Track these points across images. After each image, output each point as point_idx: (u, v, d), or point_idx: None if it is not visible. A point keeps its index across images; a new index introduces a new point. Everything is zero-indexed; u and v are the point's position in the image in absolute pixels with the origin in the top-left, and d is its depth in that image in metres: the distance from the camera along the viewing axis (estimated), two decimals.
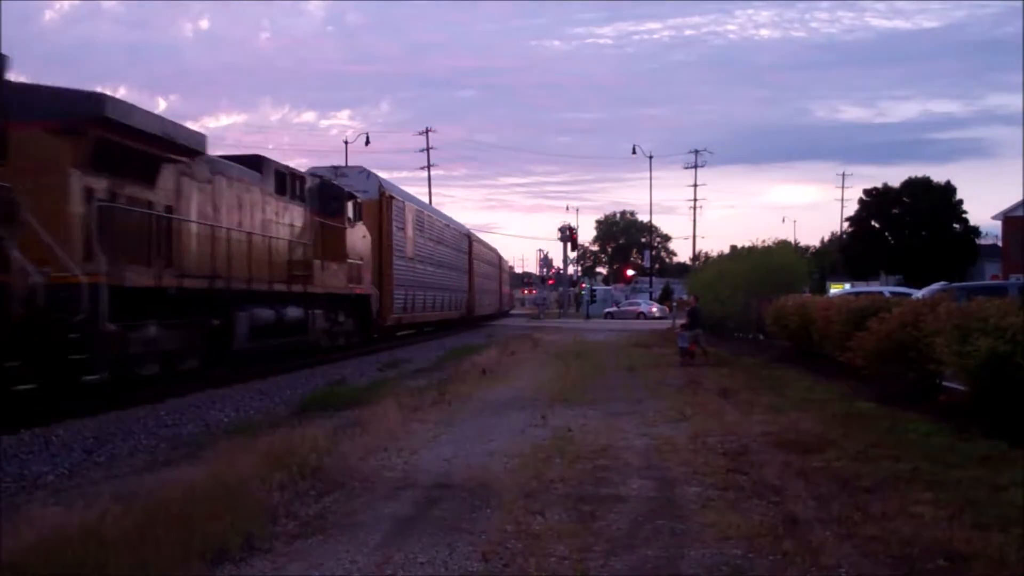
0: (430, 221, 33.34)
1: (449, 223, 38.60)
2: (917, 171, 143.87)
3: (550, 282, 73.20)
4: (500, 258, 58.47)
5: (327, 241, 19.34)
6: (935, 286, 24.46)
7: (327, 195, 19.94)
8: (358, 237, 21.80)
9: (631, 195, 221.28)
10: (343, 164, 28.20)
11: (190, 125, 13.60)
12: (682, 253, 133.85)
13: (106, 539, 4.57)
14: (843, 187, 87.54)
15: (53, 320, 9.48)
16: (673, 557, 4.74)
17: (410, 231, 28.20)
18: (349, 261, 20.61)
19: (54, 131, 10.29)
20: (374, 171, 26.46)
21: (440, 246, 34.29)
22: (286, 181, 17.68)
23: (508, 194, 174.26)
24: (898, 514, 5.44)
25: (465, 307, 40.05)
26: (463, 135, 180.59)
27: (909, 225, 62.83)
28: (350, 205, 20.95)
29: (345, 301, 21.00)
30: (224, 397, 12.44)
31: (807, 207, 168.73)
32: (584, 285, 72.04)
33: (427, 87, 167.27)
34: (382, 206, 25.36)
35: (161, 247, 12.45)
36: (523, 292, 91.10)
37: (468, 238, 42.56)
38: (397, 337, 29.22)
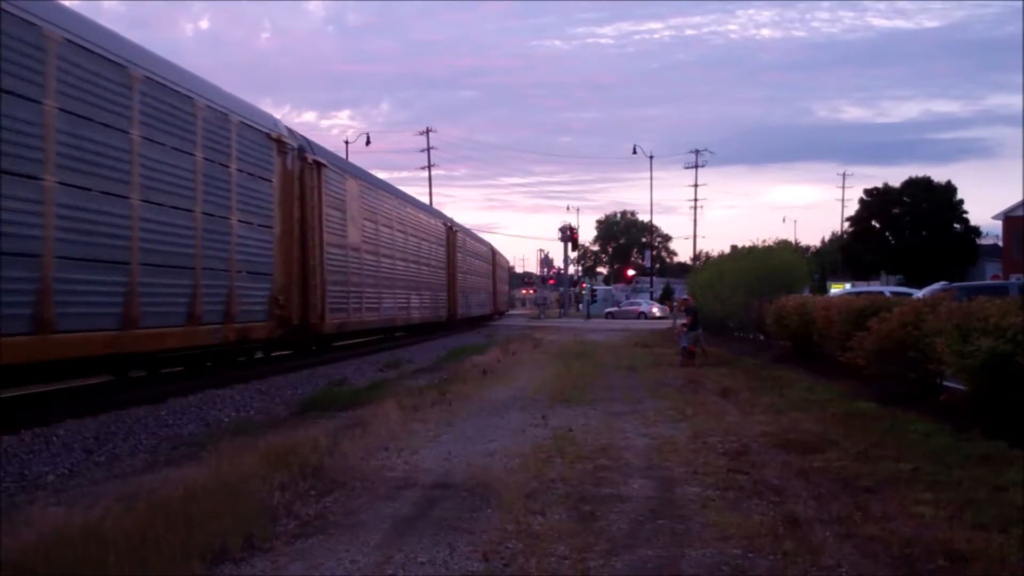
0: None
1: None
2: (918, 171, 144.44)
3: (551, 282, 73.19)
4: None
5: None
6: (936, 286, 24.48)
7: None
8: None
9: (632, 195, 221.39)
10: None
11: None
12: (683, 253, 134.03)
13: (106, 539, 4.57)
14: (844, 187, 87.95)
15: None
16: (673, 557, 4.74)
17: None
18: None
19: None
20: None
21: None
22: None
23: (509, 194, 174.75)
24: (898, 514, 5.44)
25: None
26: (463, 135, 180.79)
27: (910, 225, 62.83)
28: None
29: None
30: (224, 397, 12.43)
31: (807, 207, 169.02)
32: (585, 285, 72.04)
33: (427, 87, 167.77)
34: None
35: None
36: (524, 292, 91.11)
37: None
38: None
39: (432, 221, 31.80)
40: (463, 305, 36.69)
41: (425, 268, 28.94)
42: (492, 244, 52.46)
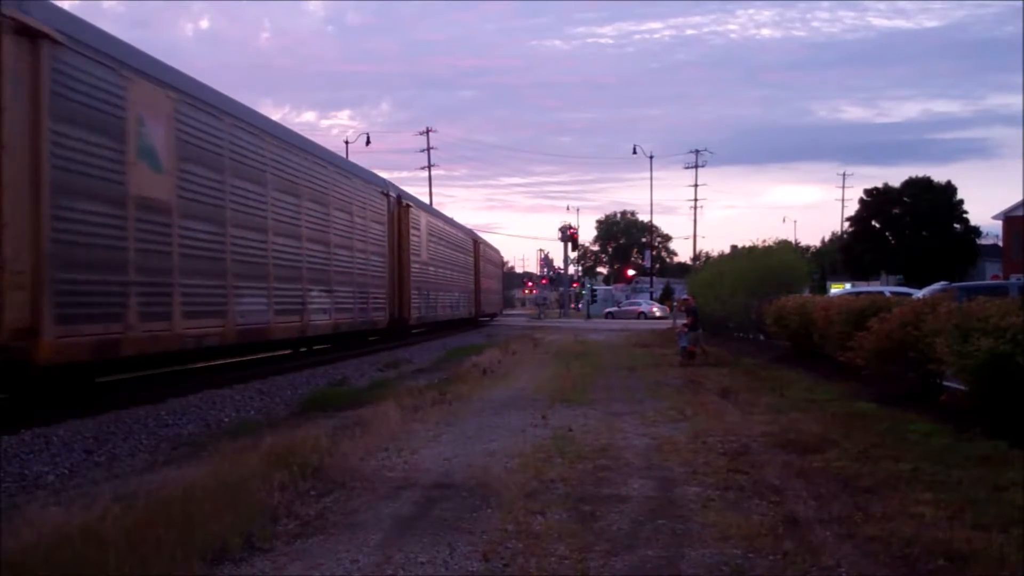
0: None
1: None
2: (918, 171, 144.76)
3: (544, 281, 73.20)
4: None
5: None
6: (936, 286, 24.51)
7: None
8: None
9: (631, 195, 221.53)
10: None
11: None
12: (682, 253, 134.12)
13: (106, 539, 4.57)
14: (844, 187, 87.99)
15: None
16: (674, 557, 4.74)
17: None
18: None
19: None
20: None
21: None
22: None
23: (509, 194, 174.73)
24: (898, 514, 5.43)
25: None
26: (463, 135, 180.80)
27: (910, 225, 62.89)
28: None
29: None
30: (224, 397, 12.43)
31: (807, 207, 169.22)
32: (576, 284, 72.05)
33: (427, 87, 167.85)
34: None
35: None
36: (524, 292, 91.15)
37: None
38: None
39: (361, 185, 21.81)
40: (421, 306, 27.98)
41: (345, 252, 19.85)
42: (476, 233, 44.66)
